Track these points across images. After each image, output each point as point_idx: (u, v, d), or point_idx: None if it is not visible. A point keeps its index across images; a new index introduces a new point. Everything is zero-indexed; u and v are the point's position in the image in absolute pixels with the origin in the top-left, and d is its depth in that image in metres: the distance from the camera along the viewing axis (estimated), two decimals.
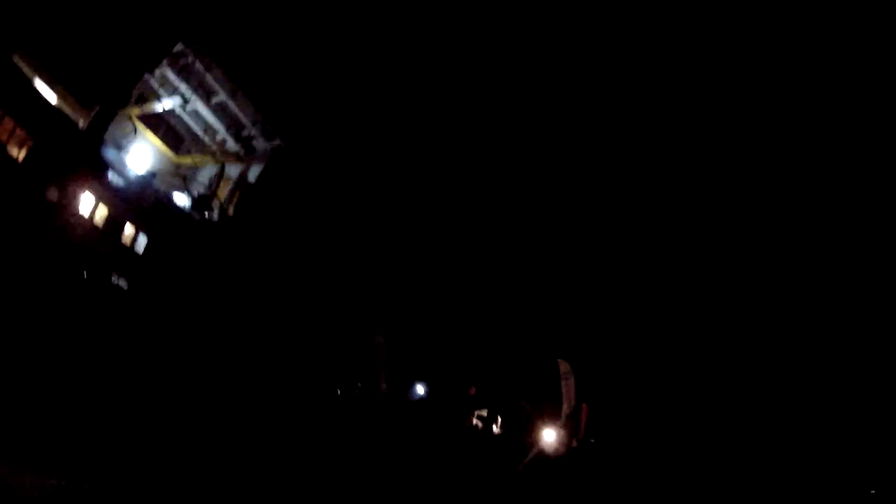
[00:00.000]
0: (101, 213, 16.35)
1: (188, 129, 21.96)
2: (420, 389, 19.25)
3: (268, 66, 19.55)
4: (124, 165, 18.54)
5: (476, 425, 19.80)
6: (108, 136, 20.80)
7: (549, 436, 19.94)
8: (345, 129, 18.97)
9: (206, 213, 18.80)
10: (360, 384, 18.34)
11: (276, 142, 19.19)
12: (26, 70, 16.79)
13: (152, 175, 18.87)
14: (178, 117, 21.88)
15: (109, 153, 18.64)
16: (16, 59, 15.91)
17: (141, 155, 22.11)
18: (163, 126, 22.31)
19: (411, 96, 18.44)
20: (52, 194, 15.23)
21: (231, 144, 20.30)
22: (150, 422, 12.05)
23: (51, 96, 17.53)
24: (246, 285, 17.88)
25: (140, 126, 21.95)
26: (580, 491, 18.81)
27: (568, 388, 19.00)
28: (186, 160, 21.17)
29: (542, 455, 19.58)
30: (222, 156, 20.03)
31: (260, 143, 19.69)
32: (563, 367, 18.79)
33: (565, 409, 19.31)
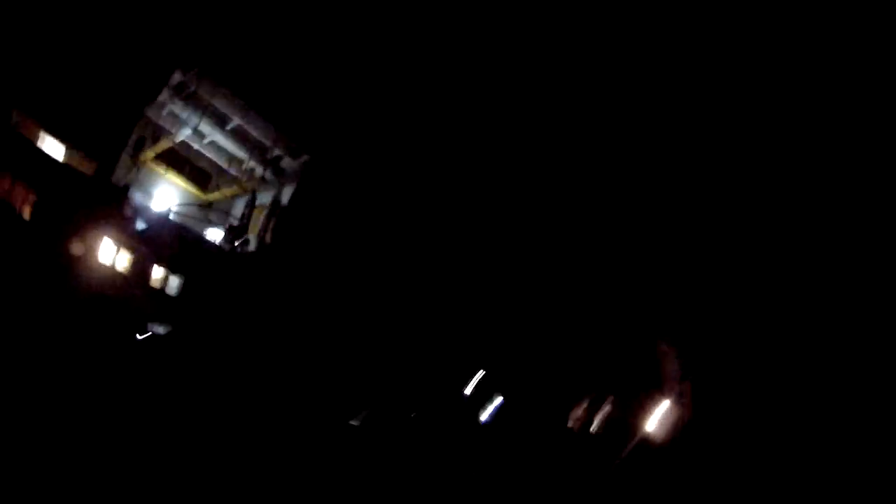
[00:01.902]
0: (124, 259, 15.56)
1: (212, 163, 20.95)
2: (493, 405, 17.49)
3: (276, 79, 18.16)
4: (147, 209, 17.87)
5: (572, 427, 17.83)
6: (131, 182, 20.25)
7: (653, 422, 17.86)
8: (373, 130, 17.34)
9: (241, 244, 17.55)
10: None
11: (304, 157, 17.76)
12: (30, 131, 16.18)
13: (172, 213, 18.03)
14: (200, 154, 20.89)
15: (132, 199, 18.03)
16: (15, 119, 15.21)
17: (166, 197, 21.26)
18: (187, 166, 21.37)
19: (439, 87, 16.70)
20: (72, 247, 14.59)
21: (258, 170, 19.01)
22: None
23: (58, 152, 16.95)
24: (293, 313, 16.54)
25: (161, 168, 21.07)
26: (690, 480, 16.70)
27: (670, 368, 16.86)
28: (215, 195, 20.07)
29: (647, 444, 17.54)
30: (250, 183, 18.73)
31: (287, 163, 18.31)
32: (662, 347, 16.67)
33: (669, 390, 17.17)
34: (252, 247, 18.16)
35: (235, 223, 18.69)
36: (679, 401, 17.37)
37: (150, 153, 20.34)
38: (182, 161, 21.10)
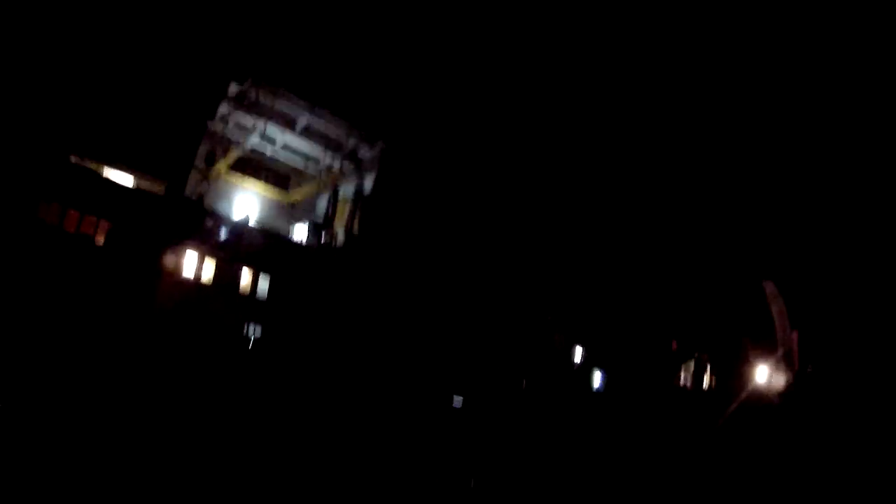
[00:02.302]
0: (208, 269, 15.82)
1: (289, 166, 21.32)
2: (598, 378, 17.27)
3: (336, 72, 18.48)
4: (227, 218, 18.00)
5: (685, 385, 17.49)
6: (205, 194, 20.59)
7: (763, 373, 17.35)
8: (447, 111, 17.45)
9: (327, 238, 17.78)
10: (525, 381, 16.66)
11: (380, 144, 17.96)
12: (92, 165, 16.53)
13: (252, 219, 18.23)
14: (275, 158, 21.29)
15: (208, 210, 18.20)
16: (74, 161, 15.59)
17: (248, 204, 21.67)
18: (264, 171, 21.77)
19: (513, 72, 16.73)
20: (152, 265, 14.72)
21: (337, 164, 19.31)
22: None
23: (126, 180, 17.19)
24: (387, 302, 16.55)
25: (238, 177, 21.55)
26: (802, 434, 16.14)
27: (779, 312, 16.38)
28: (296, 196, 20.45)
29: (757, 397, 17.05)
30: (330, 177, 19.06)
31: (364, 152, 18.59)
32: (770, 288, 16.23)
33: (780, 336, 16.69)
34: (340, 240, 18.40)
35: (319, 220, 18.99)
36: (788, 352, 16.90)
37: (223, 165, 20.80)
38: (259, 167, 21.54)
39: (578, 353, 16.73)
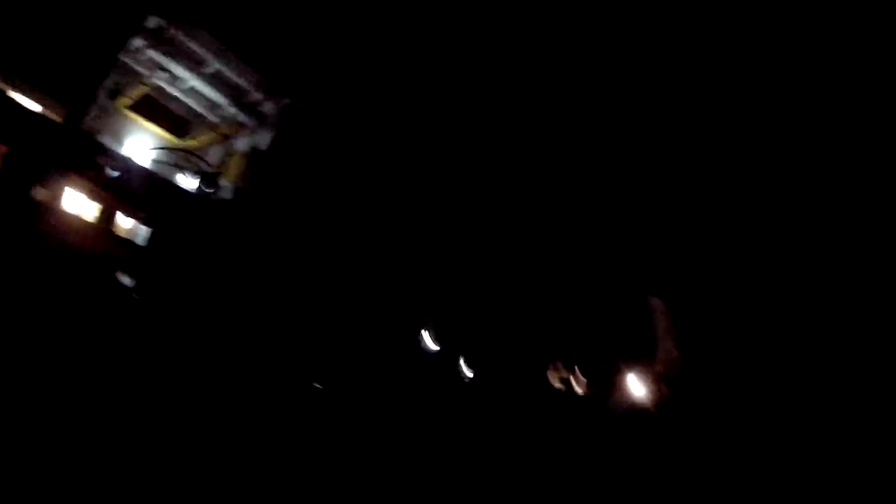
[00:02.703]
0: (93, 208, 14.69)
1: (190, 110, 20.10)
2: (428, 339, 16.64)
3: (257, 20, 17.37)
4: (118, 156, 17.22)
5: (559, 388, 17.10)
6: (106, 131, 19.50)
7: (639, 388, 17.11)
8: (359, 72, 16.56)
9: (215, 190, 16.78)
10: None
11: (284, 100, 16.98)
12: None
13: (145, 160, 17.38)
14: (178, 100, 20.06)
15: (105, 148, 17.43)
16: None
17: (141, 145, 20.48)
18: (164, 113, 20.54)
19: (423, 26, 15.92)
20: (36, 194, 13.85)
21: (237, 115, 18.24)
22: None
23: (34, 104, 16.11)
24: (270, 262, 15.77)
25: (137, 116, 20.29)
26: (674, 451, 16.03)
27: (662, 328, 16.13)
28: (191, 142, 19.32)
29: (630, 410, 16.84)
30: (228, 129, 17.98)
31: (267, 106, 17.55)
32: (655, 304, 15.94)
33: (661, 353, 16.44)
34: (227, 194, 17.40)
35: (211, 170, 17.91)
36: (668, 366, 16.70)
37: (126, 100, 19.61)
38: (160, 108, 20.26)
39: (444, 341, 16.19)
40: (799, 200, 15.53)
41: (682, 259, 15.27)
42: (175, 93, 19.63)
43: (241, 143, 17.62)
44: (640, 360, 16.76)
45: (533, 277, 15.86)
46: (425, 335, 16.95)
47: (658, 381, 16.76)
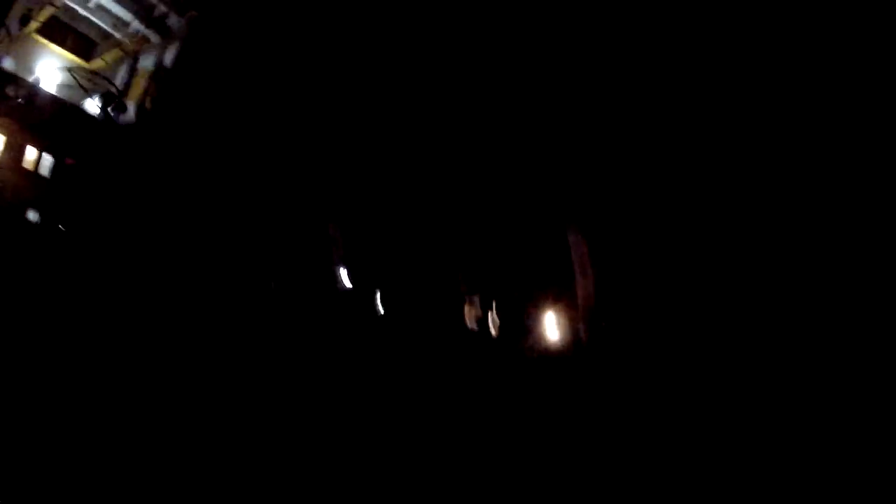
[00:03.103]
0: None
1: (98, 30, 18.81)
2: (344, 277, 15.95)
3: None
4: (22, 81, 16.19)
5: (472, 328, 16.40)
6: (16, 59, 18.40)
7: (553, 325, 16.43)
8: None
9: (117, 112, 15.71)
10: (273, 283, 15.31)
11: (191, 13, 15.84)
12: None
13: (48, 85, 16.37)
14: (85, 20, 18.74)
15: (12, 76, 16.36)
16: None
17: (49, 71, 19.18)
18: (70, 34, 19.22)
19: None
20: None
21: (144, 32, 17.06)
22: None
23: None
24: (178, 182, 14.84)
25: (43, 39, 18.98)
26: (593, 394, 15.50)
27: (580, 260, 15.51)
28: (98, 63, 18.08)
29: (546, 351, 16.22)
30: (134, 45, 16.80)
31: (173, 20, 16.41)
32: (572, 235, 15.31)
33: (581, 287, 15.82)
34: (131, 115, 16.30)
35: (114, 90, 16.75)
36: (585, 303, 16.10)
37: (33, 25, 18.38)
38: (67, 30, 18.93)
39: (359, 279, 15.52)
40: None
41: (609, 185, 14.56)
42: (83, 12, 18.37)
43: (148, 61, 16.47)
44: (558, 300, 16.14)
45: (451, 207, 15.13)
46: (341, 272, 16.20)
47: (575, 323, 16.12)
